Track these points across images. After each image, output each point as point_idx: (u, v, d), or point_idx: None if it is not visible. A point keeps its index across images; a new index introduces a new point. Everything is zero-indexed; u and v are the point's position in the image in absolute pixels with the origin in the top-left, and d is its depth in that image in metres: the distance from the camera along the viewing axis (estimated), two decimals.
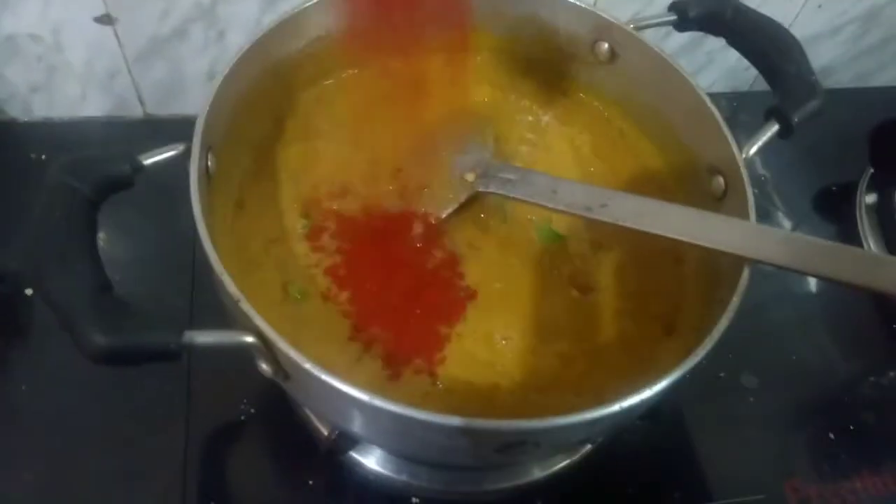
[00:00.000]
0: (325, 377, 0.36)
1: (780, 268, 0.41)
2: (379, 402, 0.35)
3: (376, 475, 0.55)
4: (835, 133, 0.72)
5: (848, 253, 0.40)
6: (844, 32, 0.85)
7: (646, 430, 0.54)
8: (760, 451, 0.61)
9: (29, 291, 0.64)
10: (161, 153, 0.42)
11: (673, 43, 0.75)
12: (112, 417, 0.57)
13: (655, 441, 0.59)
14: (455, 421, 0.35)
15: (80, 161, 0.38)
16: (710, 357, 0.40)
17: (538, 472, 0.56)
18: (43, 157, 0.73)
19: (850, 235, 0.73)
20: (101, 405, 0.57)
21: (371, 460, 0.55)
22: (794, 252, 0.41)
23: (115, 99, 0.76)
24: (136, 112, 0.78)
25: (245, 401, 0.57)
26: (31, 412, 0.57)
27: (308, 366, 0.36)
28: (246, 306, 0.37)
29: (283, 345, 0.36)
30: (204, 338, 0.36)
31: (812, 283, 0.71)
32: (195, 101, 0.77)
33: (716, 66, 0.86)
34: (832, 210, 0.77)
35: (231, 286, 0.37)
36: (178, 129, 0.74)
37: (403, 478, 0.55)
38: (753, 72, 0.88)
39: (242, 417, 0.57)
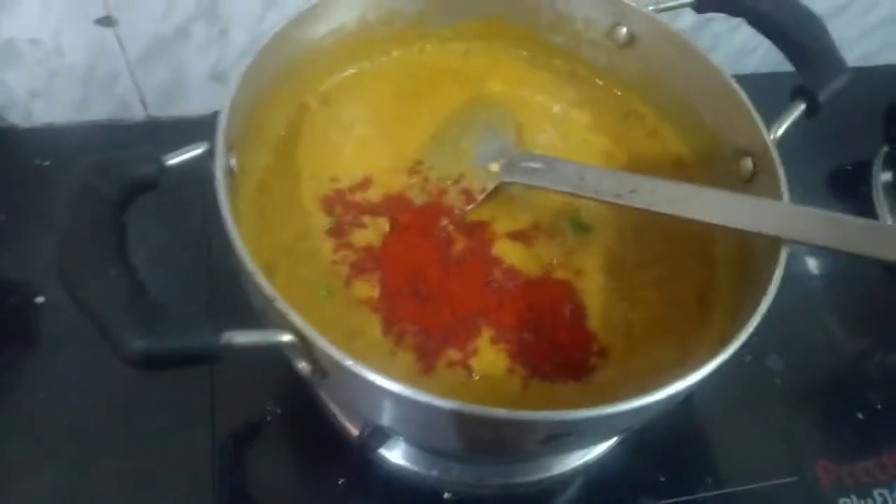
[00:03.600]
0: (368, 374, 0.35)
1: (818, 247, 0.41)
2: (426, 398, 0.34)
3: (407, 472, 0.54)
4: (843, 112, 0.72)
5: (890, 231, 0.39)
6: (850, 11, 0.85)
7: (675, 417, 0.54)
8: (790, 433, 0.60)
9: (40, 300, 0.63)
10: (184, 153, 0.41)
11: (678, 25, 0.74)
12: (132, 422, 0.56)
13: (685, 427, 0.59)
14: (502, 413, 0.34)
15: (104, 163, 0.38)
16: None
17: (569, 463, 0.55)
18: (46, 163, 0.72)
19: (865, 214, 0.72)
20: (119, 410, 0.56)
21: (401, 457, 0.54)
22: (833, 231, 0.40)
23: (117, 102, 0.75)
24: (139, 114, 0.77)
25: (270, 402, 0.56)
26: (49, 419, 0.56)
27: (349, 363, 0.35)
28: (282, 305, 0.36)
29: (322, 343, 0.35)
30: (243, 338, 0.35)
31: (826, 261, 0.71)
32: (197, 102, 0.76)
33: (720, 49, 0.85)
34: (847, 189, 0.77)
35: (266, 286, 0.37)
36: (180, 130, 0.75)
37: (434, 473, 0.54)
38: (758, 55, 0.89)
39: (268, 419, 0.56)
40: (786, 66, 0.54)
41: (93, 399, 0.57)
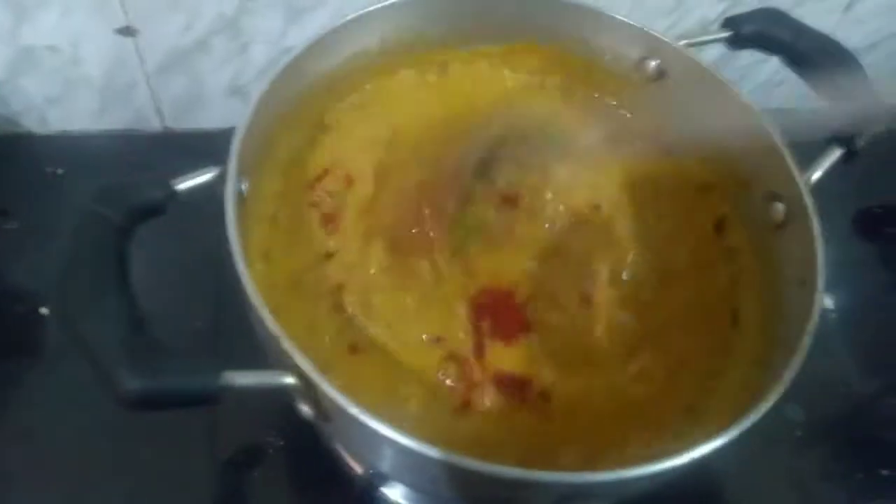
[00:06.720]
0: (372, 423, 0.33)
1: None
2: (429, 451, 0.33)
3: None
4: (872, 153, 0.70)
5: None
6: (881, 49, 0.83)
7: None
8: (812, 489, 0.58)
9: (44, 311, 0.62)
10: (194, 178, 0.39)
11: (706, 57, 0.73)
12: (132, 441, 0.54)
13: (703, 479, 0.56)
14: (516, 473, 0.32)
15: (111, 189, 0.36)
16: None
17: None
18: (59, 171, 0.71)
19: (892, 257, 0.71)
20: (120, 428, 0.54)
21: (403, 497, 0.52)
22: None
23: (133, 112, 0.74)
24: (155, 126, 0.76)
25: (273, 432, 0.55)
26: (49, 434, 0.55)
27: (354, 411, 0.33)
28: (287, 345, 0.35)
29: (326, 387, 0.34)
30: (243, 379, 0.34)
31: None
32: (214, 115, 0.76)
33: (747, 82, 0.84)
34: (873, 230, 0.75)
35: (271, 323, 0.35)
36: (196, 143, 0.74)
37: None
38: (784, 89, 0.86)
39: (270, 450, 0.55)
40: (813, 101, 0.52)
41: (94, 415, 0.55)
